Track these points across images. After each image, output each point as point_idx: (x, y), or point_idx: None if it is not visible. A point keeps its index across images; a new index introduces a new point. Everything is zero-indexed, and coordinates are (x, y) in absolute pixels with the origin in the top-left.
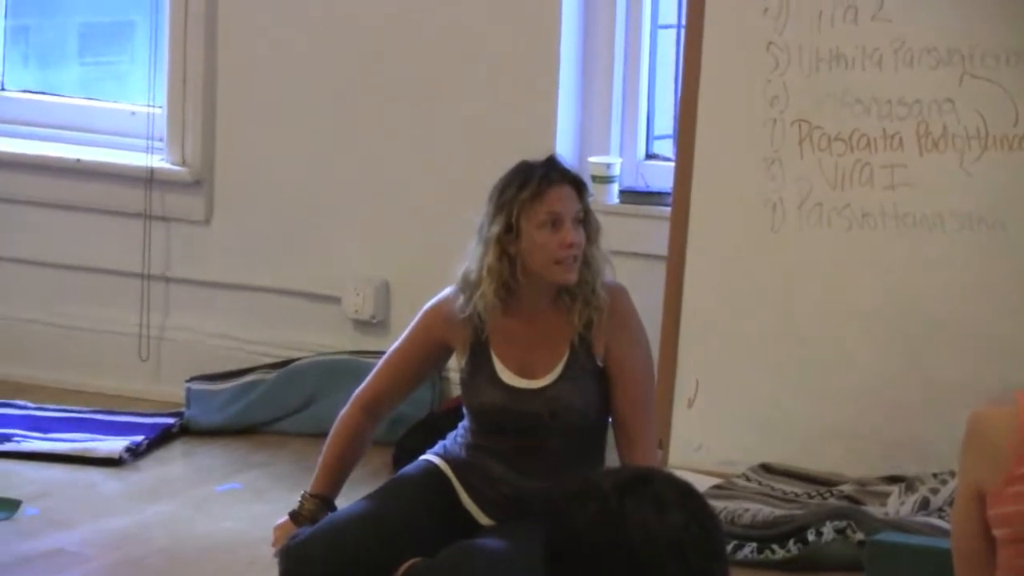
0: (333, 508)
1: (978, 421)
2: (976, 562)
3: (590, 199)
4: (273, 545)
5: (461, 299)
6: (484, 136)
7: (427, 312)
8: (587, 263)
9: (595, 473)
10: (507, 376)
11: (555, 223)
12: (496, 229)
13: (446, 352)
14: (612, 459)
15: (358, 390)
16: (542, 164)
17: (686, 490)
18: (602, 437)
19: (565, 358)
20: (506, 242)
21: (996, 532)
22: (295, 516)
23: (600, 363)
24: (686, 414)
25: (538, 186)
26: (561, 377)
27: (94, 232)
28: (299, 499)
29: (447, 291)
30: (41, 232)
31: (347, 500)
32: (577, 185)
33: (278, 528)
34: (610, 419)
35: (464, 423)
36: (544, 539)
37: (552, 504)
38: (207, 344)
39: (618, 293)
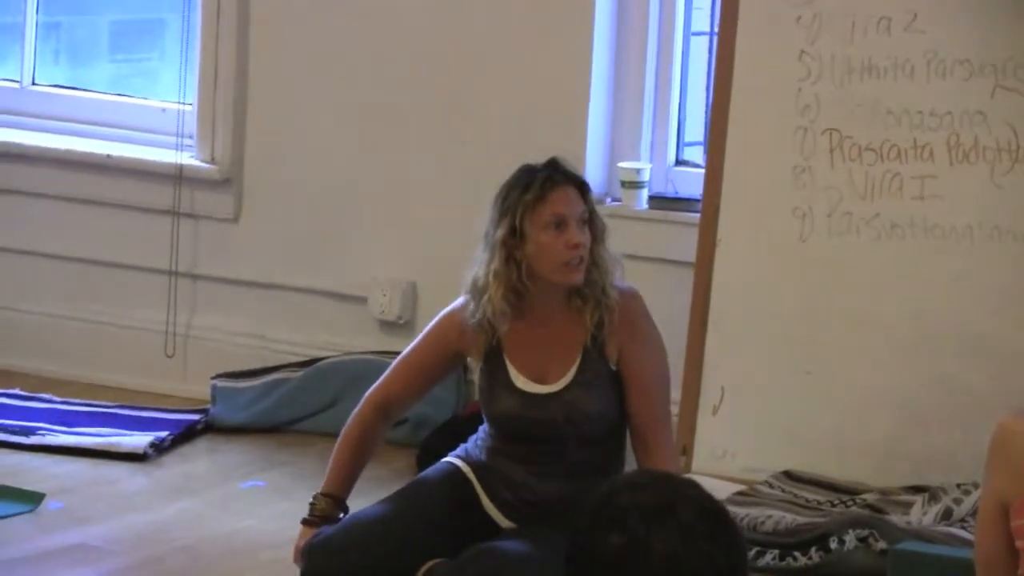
0: (345, 508)
1: (1002, 433)
2: (998, 573)
3: (595, 199)
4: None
5: (471, 306)
6: (514, 140)
7: (442, 319)
8: (595, 263)
9: (619, 491)
10: (521, 382)
11: (559, 224)
12: (501, 233)
13: (459, 359)
14: (631, 462)
15: (371, 390)
16: (544, 166)
17: (712, 515)
18: (621, 441)
19: (578, 362)
20: (512, 246)
21: (1019, 543)
22: (307, 522)
23: (614, 367)
24: (711, 421)
25: (541, 188)
26: (575, 381)
27: (123, 228)
28: (311, 503)
29: (462, 298)
30: (70, 228)
31: (369, 500)
32: (580, 186)
33: (300, 537)
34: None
35: (484, 427)
36: (568, 554)
37: (577, 529)
38: (233, 342)
39: (630, 297)
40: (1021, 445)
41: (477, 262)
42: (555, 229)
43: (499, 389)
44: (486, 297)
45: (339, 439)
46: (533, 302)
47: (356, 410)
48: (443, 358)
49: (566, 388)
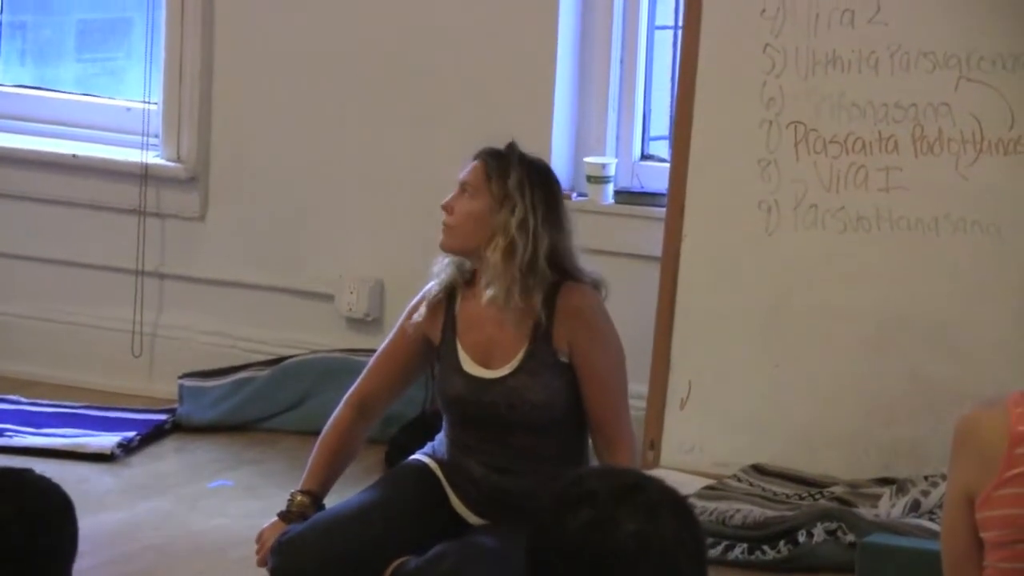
0: (322, 507)
1: (967, 425)
2: (965, 564)
3: (521, 186)
4: (257, 549)
5: (432, 283)
6: (480, 135)
7: (409, 308)
8: (510, 249)
9: (586, 476)
10: (469, 365)
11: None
12: None
13: (429, 346)
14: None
15: (350, 390)
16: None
17: (674, 496)
18: (579, 437)
19: (524, 349)
20: None
21: (985, 535)
22: (284, 515)
23: (564, 359)
24: (679, 415)
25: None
26: (519, 368)
27: (89, 228)
28: (288, 498)
29: (428, 285)
30: (36, 227)
31: (339, 497)
32: (489, 162)
33: (267, 529)
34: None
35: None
36: (530, 541)
37: (543, 507)
38: (200, 341)
39: (576, 291)
40: (985, 437)
41: None
42: None
43: (449, 371)
44: (440, 267)
45: (319, 439)
46: (478, 279)
47: (336, 410)
48: (413, 347)
49: (511, 374)
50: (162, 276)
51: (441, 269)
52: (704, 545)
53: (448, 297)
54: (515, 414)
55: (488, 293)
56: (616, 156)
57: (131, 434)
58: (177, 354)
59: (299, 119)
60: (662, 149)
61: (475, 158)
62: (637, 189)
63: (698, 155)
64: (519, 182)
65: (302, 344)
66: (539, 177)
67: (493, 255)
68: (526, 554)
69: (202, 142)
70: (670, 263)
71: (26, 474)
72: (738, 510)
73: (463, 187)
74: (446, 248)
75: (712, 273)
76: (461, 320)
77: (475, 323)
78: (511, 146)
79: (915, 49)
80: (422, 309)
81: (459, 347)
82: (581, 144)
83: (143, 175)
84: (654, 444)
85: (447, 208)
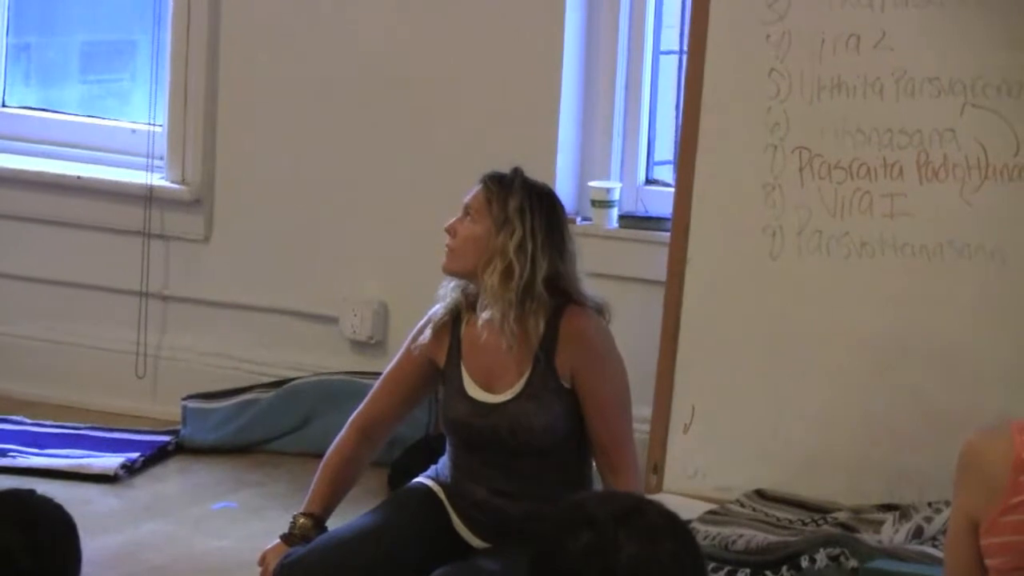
0: (325, 529)
1: (971, 451)
2: None
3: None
4: (261, 572)
5: (438, 306)
6: (485, 159)
7: (414, 331)
8: (507, 273)
9: (587, 500)
10: (472, 389)
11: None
12: None
13: (434, 368)
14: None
15: (354, 413)
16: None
17: (676, 520)
18: (582, 460)
19: (527, 374)
20: None
21: (989, 562)
22: (287, 538)
23: (566, 384)
24: (682, 439)
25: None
26: (522, 393)
27: (93, 249)
28: (291, 520)
29: (434, 308)
30: (40, 249)
31: (342, 520)
32: (492, 187)
33: (269, 552)
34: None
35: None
36: (532, 565)
37: (544, 531)
38: (204, 363)
39: (579, 315)
40: (989, 463)
41: None
42: None
43: (453, 395)
44: (445, 291)
45: (322, 461)
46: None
47: (340, 433)
48: (418, 369)
49: (513, 399)
50: (166, 298)
51: (446, 292)
52: (704, 569)
53: (453, 320)
54: (517, 438)
55: (484, 316)
56: (620, 180)
57: (134, 455)
58: (181, 375)
59: (303, 142)
60: (666, 174)
61: (480, 182)
62: (641, 214)
63: (702, 180)
64: (519, 206)
65: (306, 366)
66: (540, 201)
67: (491, 278)
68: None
69: (207, 164)
70: (674, 287)
71: (32, 499)
72: (741, 535)
73: (466, 211)
74: (447, 270)
75: (716, 298)
76: (466, 343)
77: (479, 347)
78: (516, 171)
79: (920, 75)
80: (427, 332)
81: (463, 370)
82: (585, 168)
83: (147, 197)
84: (657, 468)
85: (450, 231)
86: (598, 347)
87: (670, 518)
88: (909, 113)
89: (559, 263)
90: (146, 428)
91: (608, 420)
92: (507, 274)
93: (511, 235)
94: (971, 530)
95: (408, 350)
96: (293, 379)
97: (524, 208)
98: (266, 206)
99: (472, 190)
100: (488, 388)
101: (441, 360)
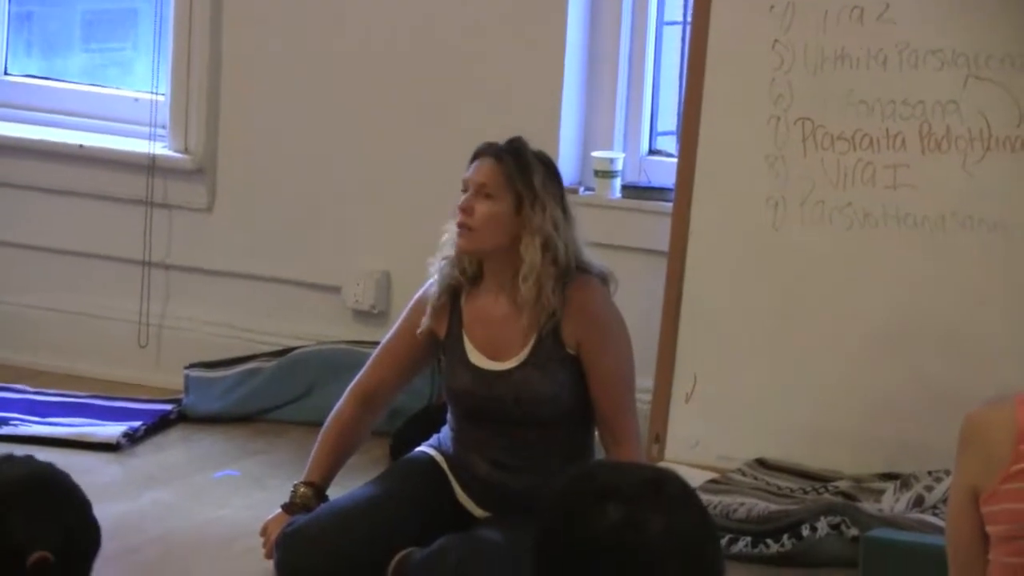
0: (325, 498)
1: (974, 421)
2: (970, 559)
3: (568, 189)
4: (263, 542)
5: (436, 277)
6: (487, 131)
7: (415, 301)
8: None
9: (597, 471)
10: (476, 358)
11: (466, 191)
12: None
13: (434, 340)
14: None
15: (353, 382)
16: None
17: (691, 489)
18: (585, 431)
19: (532, 342)
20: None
21: (990, 529)
22: (288, 507)
23: (572, 351)
24: (684, 409)
25: (472, 159)
26: (527, 362)
27: (96, 218)
28: (291, 490)
29: (429, 283)
30: (42, 218)
31: (344, 489)
32: (502, 160)
33: (271, 521)
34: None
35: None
36: (541, 539)
37: (553, 504)
38: (207, 332)
39: (586, 286)
40: (992, 433)
41: None
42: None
43: (456, 364)
44: (443, 263)
45: (322, 430)
46: (488, 275)
47: (339, 402)
48: (416, 338)
49: (518, 367)
50: (168, 267)
51: (438, 269)
52: (718, 534)
53: (452, 294)
54: (522, 407)
55: (522, 288)
56: (624, 151)
57: (137, 424)
58: (183, 345)
59: (307, 111)
60: (670, 144)
61: (481, 156)
62: (644, 184)
63: (706, 150)
64: (543, 180)
65: (308, 336)
66: (554, 172)
67: (531, 254)
68: (535, 552)
69: (210, 133)
70: (677, 258)
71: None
72: (742, 504)
73: (480, 188)
74: (467, 250)
75: (718, 268)
76: (468, 315)
77: (482, 317)
78: (518, 140)
79: (924, 47)
80: (427, 310)
81: (466, 340)
82: (589, 139)
83: (150, 166)
84: (659, 438)
85: (466, 210)
86: (604, 318)
87: (688, 487)
88: (912, 84)
89: (570, 232)
90: (148, 397)
91: (611, 391)
92: (546, 247)
93: (543, 209)
94: (973, 500)
95: (407, 321)
96: (296, 348)
97: (546, 181)
98: (269, 176)
99: (475, 165)
100: (492, 357)
101: (441, 332)
